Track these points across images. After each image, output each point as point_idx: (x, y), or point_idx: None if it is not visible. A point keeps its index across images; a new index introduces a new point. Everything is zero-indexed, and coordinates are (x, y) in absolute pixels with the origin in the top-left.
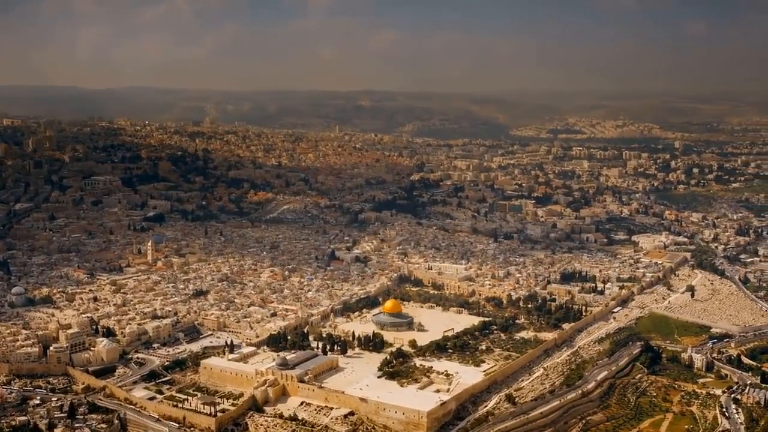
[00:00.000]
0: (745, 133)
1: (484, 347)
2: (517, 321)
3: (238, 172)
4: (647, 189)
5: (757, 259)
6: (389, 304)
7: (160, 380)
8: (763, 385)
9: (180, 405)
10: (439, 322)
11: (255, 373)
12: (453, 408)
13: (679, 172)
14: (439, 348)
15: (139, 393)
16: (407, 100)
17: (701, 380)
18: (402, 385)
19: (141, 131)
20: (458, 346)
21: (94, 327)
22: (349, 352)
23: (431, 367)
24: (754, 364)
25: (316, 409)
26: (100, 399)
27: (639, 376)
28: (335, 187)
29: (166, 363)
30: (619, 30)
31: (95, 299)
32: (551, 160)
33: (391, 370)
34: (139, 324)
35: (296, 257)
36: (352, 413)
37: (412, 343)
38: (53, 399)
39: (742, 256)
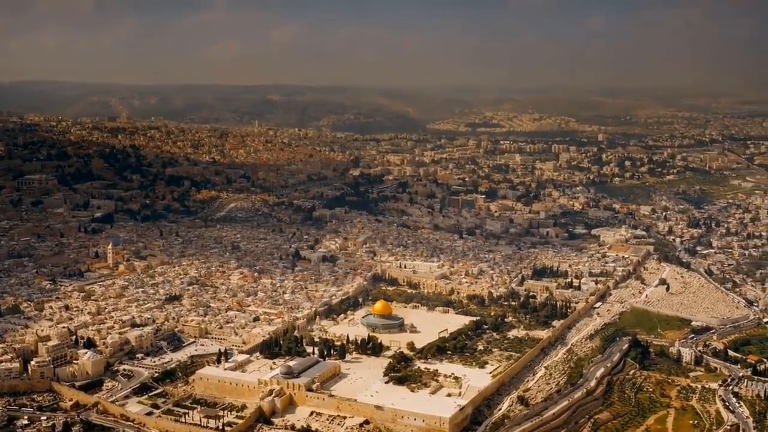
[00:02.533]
0: (659, 125)
1: (481, 347)
2: (506, 319)
3: (175, 169)
4: (584, 182)
5: (712, 251)
6: (379, 305)
7: (152, 393)
8: (760, 378)
9: (181, 419)
10: (429, 323)
11: (258, 383)
12: (469, 412)
13: (612, 165)
14: (439, 350)
15: (134, 408)
16: (317, 94)
17: (692, 374)
18: (412, 390)
19: (57, 127)
20: (458, 348)
21: (73, 338)
22: (347, 357)
23: (436, 370)
24: (740, 356)
25: (328, 419)
26: (93, 416)
27: (632, 371)
28: (278, 183)
29: (156, 374)
30: (522, 24)
31: (67, 308)
32: (482, 154)
33: (398, 375)
34: (119, 333)
35: (260, 258)
36: (367, 422)
37: (410, 346)
38: (42, 418)
39: (699, 248)
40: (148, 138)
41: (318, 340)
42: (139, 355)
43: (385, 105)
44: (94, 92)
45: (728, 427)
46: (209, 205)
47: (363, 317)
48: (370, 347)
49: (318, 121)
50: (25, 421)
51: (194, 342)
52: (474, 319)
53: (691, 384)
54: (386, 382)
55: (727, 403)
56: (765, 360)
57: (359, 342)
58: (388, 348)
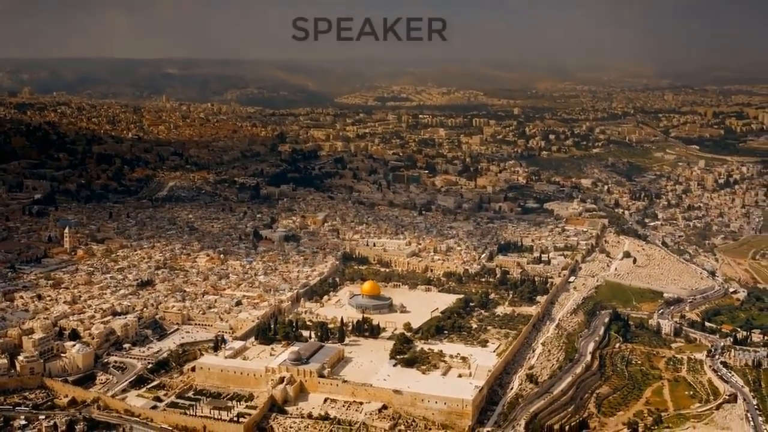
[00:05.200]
0: (566, 99)
1: (475, 326)
2: (489, 296)
3: (102, 147)
4: (513, 156)
5: (659, 222)
6: (368, 286)
7: (150, 385)
8: (743, 347)
9: (189, 412)
10: (416, 302)
11: (266, 371)
12: (485, 393)
13: (538, 138)
14: (437, 330)
15: (136, 402)
16: (215, 67)
17: (674, 345)
18: (423, 373)
19: None
20: (455, 327)
21: (56, 329)
22: (345, 340)
23: (441, 350)
24: (714, 326)
25: (344, 405)
26: (95, 413)
27: (618, 345)
28: (212, 160)
29: (149, 365)
30: None
31: (39, 297)
32: (405, 128)
33: (405, 357)
34: (103, 323)
35: (220, 239)
36: (385, 407)
37: (408, 327)
38: (41, 417)
39: (646, 220)
40: (59, 114)
41: (311, 323)
42: (126, 346)
43: (286, 79)
44: None
45: (727, 397)
46: (146, 184)
47: (351, 298)
48: (367, 329)
49: (221, 96)
50: (23, 421)
51: (178, 329)
52: (459, 297)
53: (677, 355)
54: (395, 365)
55: (719, 373)
56: (739, 329)
57: (355, 324)
58: (384, 329)
